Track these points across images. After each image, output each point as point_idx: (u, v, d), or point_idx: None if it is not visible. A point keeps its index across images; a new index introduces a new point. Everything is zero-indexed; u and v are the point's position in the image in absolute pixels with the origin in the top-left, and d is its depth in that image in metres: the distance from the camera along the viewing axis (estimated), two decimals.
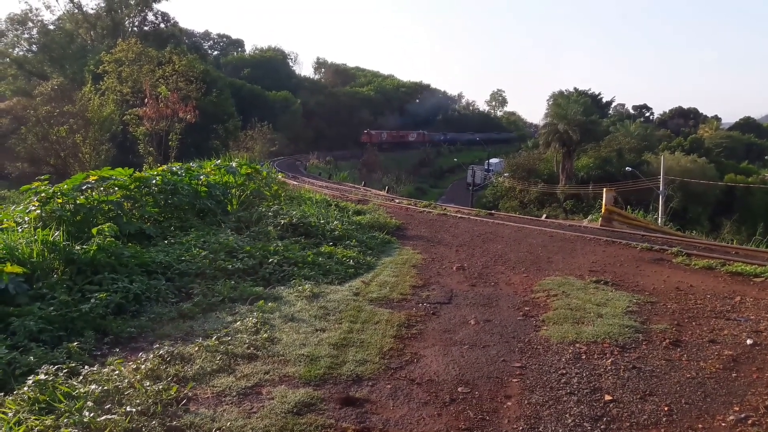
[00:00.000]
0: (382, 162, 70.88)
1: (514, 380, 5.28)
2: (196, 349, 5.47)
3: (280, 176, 20.16)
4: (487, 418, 4.58)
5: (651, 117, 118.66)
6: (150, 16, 67.01)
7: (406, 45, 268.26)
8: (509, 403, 4.83)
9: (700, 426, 4.49)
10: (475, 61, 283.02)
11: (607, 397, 4.91)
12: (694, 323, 7.00)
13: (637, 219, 16.85)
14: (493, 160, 76.33)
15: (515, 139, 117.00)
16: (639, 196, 39.66)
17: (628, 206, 22.61)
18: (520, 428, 4.42)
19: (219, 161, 15.54)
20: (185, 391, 4.64)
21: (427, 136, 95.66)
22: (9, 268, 6.00)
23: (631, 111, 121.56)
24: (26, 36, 62.35)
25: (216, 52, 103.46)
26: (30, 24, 61.77)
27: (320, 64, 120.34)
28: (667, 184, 37.62)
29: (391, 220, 13.98)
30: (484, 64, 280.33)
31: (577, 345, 6.13)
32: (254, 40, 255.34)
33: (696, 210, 50.00)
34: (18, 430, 3.81)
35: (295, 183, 25.44)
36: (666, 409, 4.74)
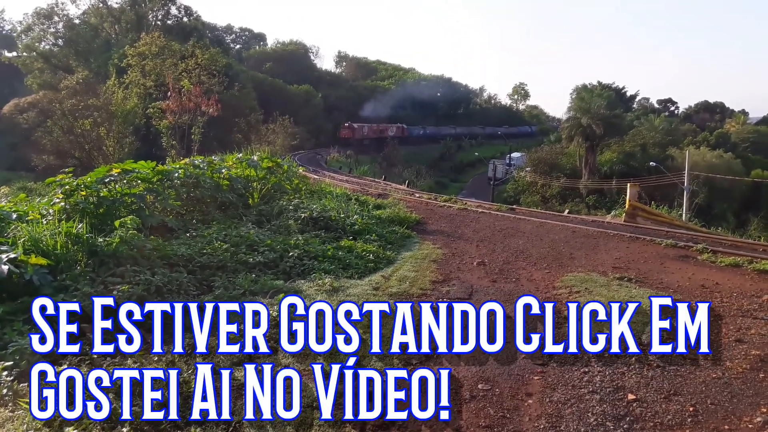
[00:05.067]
0: (402, 156, 70.31)
1: (536, 378, 5.22)
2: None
3: (300, 170, 20.19)
4: (508, 415, 4.54)
5: (676, 111, 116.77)
6: (173, 10, 67.54)
7: (427, 38, 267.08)
8: (530, 401, 4.78)
9: (726, 427, 4.40)
10: (498, 54, 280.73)
11: (631, 396, 4.83)
12: (719, 322, 6.86)
13: (661, 215, 16.62)
14: (515, 155, 75.65)
15: (534, 133, 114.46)
16: (663, 191, 39.14)
17: (652, 202, 22.30)
18: (542, 426, 4.37)
19: (241, 155, 15.60)
20: None
21: (406, 130, 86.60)
22: (33, 259, 6.07)
23: (656, 105, 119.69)
24: (52, 30, 63.09)
25: (238, 46, 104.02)
26: (56, 18, 62.54)
27: (341, 58, 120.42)
28: (691, 180, 37.04)
29: (411, 215, 13.94)
30: (507, 58, 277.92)
31: None
32: (276, 33, 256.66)
33: (722, 206, 49.20)
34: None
35: (316, 177, 25.50)
36: (691, 409, 4.65)
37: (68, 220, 7.74)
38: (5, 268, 5.77)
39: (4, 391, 4.26)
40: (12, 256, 5.98)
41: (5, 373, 4.46)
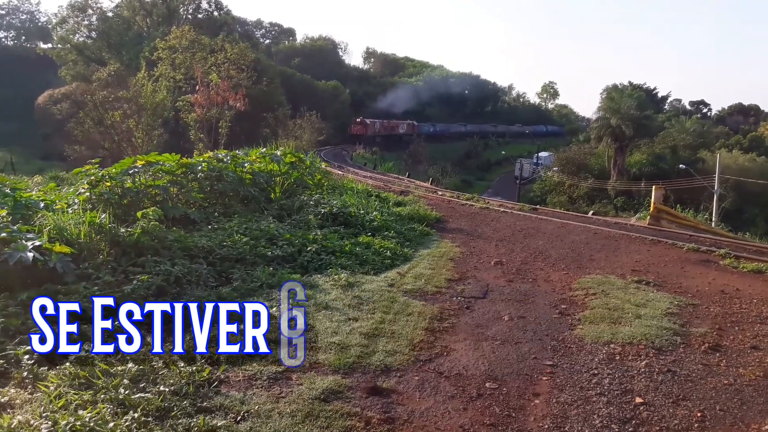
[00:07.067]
0: (428, 153, 69.99)
1: (544, 378, 5.24)
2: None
3: (324, 165, 20.32)
4: (513, 414, 4.57)
5: (709, 113, 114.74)
6: (204, 4, 68.57)
7: (456, 35, 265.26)
8: (537, 401, 4.80)
9: None
10: (528, 53, 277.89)
11: (638, 400, 4.83)
12: (736, 328, 6.79)
13: (686, 218, 16.36)
14: (543, 154, 75.05)
15: (551, 132, 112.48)
16: (692, 194, 38.55)
17: (678, 205, 21.97)
18: (546, 427, 4.39)
19: (264, 149, 15.78)
20: (218, 374, 4.77)
21: (416, 126, 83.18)
22: (58, 248, 6.25)
23: (688, 107, 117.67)
24: (86, 23, 64.33)
25: (267, 41, 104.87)
26: (90, 11, 63.74)
27: (370, 54, 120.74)
28: (721, 183, 36.37)
29: (431, 212, 13.95)
30: (537, 57, 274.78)
31: (612, 345, 6.03)
32: (306, 29, 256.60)
33: (753, 211, 48.24)
34: (58, 403, 4.00)
35: (340, 172, 25.61)
36: (699, 414, 4.63)
37: (93, 210, 7.95)
38: (30, 255, 5.95)
39: (25, 374, 4.43)
40: (37, 243, 6.16)
41: (26, 356, 4.63)
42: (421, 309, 6.91)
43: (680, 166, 46.75)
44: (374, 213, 12.23)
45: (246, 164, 12.88)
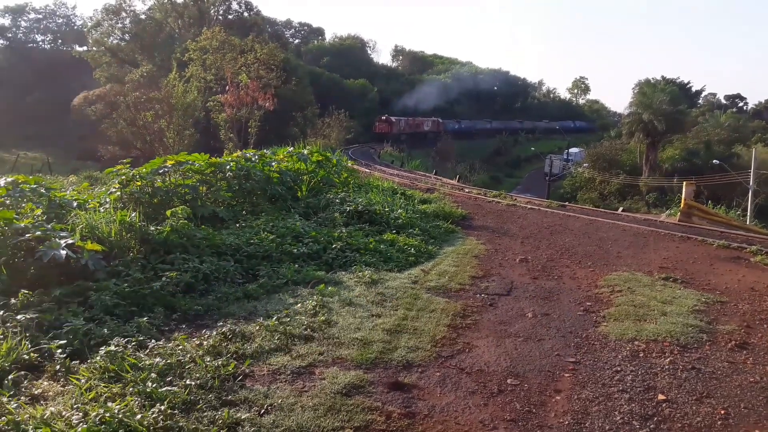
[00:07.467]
0: (456, 150, 69.49)
1: (566, 375, 5.24)
2: (257, 328, 5.72)
3: (351, 164, 20.40)
4: (534, 411, 4.58)
5: (745, 107, 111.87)
6: (234, 5, 69.31)
7: (485, 31, 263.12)
8: (558, 398, 4.81)
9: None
10: (558, 48, 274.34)
11: (661, 397, 4.80)
12: (765, 326, 6.68)
13: (718, 215, 16.08)
14: (573, 150, 73.98)
15: (578, 128, 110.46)
16: (726, 190, 37.74)
17: (710, 201, 21.57)
18: (566, 423, 4.40)
19: (291, 149, 15.95)
20: (243, 368, 4.88)
21: (441, 124, 79.71)
22: (89, 245, 6.45)
23: (723, 101, 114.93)
24: (119, 26, 65.48)
25: (297, 41, 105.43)
26: (123, 14, 64.83)
27: (398, 52, 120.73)
28: (756, 179, 35.51)
29: (456, 210, 13.92)
30: (568, 52, 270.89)
31: (636, 342, 6.00)
32: (335, 28, 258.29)
33: None
34: (88, 395, 4.15)
35: (367, 170, 25.67)
36: (722, 412, 4.59)
37: (124, 208, 8.16)
38: (64, 252, 6.16)
39: (57, 367, 4.60)
40: (70, 241, 6.37)
41: (59, 351, 4.80)
42: (444, 306, 6.94)
43: (714, 161, 45.78)
44: (399, 211, 12.28)
45: (273, 163, 13.06)
